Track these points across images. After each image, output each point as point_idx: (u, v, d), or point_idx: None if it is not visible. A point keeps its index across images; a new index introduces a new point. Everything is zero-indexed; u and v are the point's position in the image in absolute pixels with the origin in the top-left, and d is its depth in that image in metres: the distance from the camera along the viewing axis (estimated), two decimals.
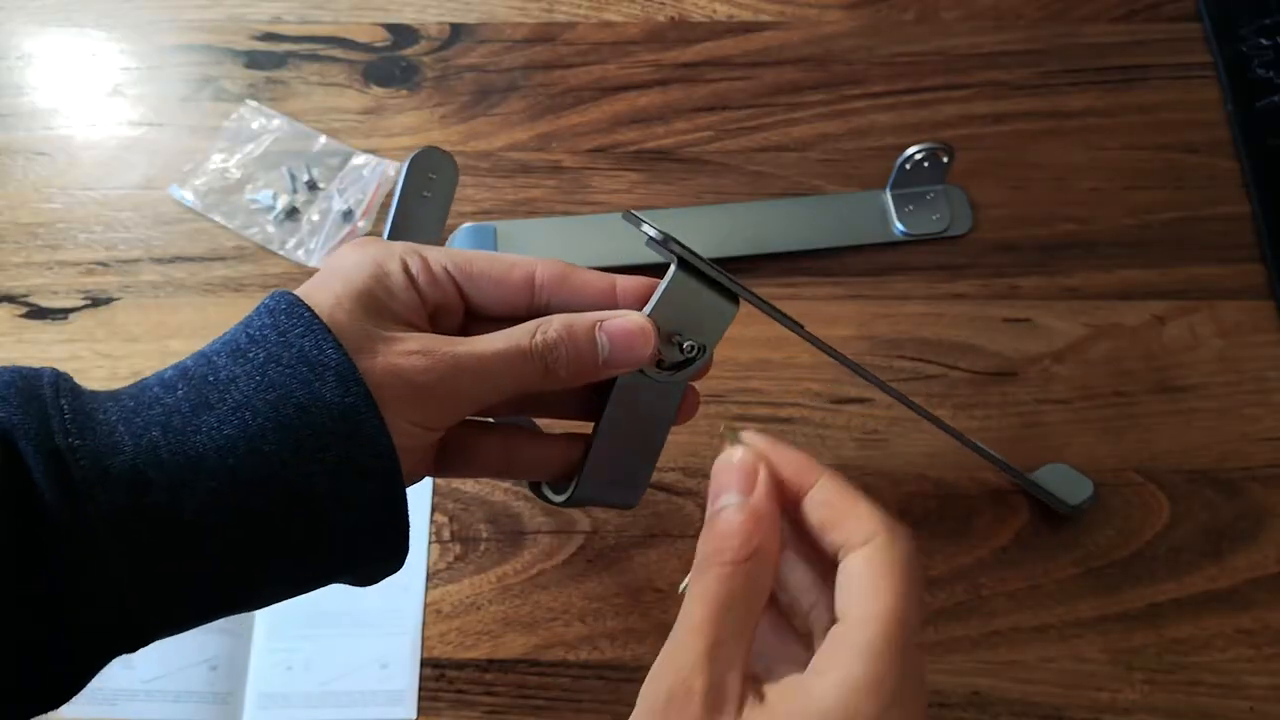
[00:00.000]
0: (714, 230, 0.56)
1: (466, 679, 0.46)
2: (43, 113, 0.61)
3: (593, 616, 0.48)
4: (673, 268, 0.35)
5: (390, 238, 0.52)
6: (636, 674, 0.46)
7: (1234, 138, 0.58)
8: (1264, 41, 0.60)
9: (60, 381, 0.31)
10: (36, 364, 0.53)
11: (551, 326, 0.34)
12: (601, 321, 0.34)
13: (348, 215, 0.57)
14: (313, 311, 0.32)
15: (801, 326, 0.38)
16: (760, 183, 0.58)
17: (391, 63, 0.62)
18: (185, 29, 0.63)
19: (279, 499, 0.30)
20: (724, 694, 0.28)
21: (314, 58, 0.62)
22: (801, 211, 0.57)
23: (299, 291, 0.33)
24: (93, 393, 0.31)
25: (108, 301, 0.55)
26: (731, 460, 0.32)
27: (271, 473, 0.30)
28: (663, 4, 0.63)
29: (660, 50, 0.62)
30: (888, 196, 0.57)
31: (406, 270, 0.34)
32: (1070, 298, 0.55)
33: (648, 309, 0.35)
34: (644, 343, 0.34)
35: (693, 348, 0.36)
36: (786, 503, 0.32)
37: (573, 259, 0.54)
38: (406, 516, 0.33)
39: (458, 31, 0.63)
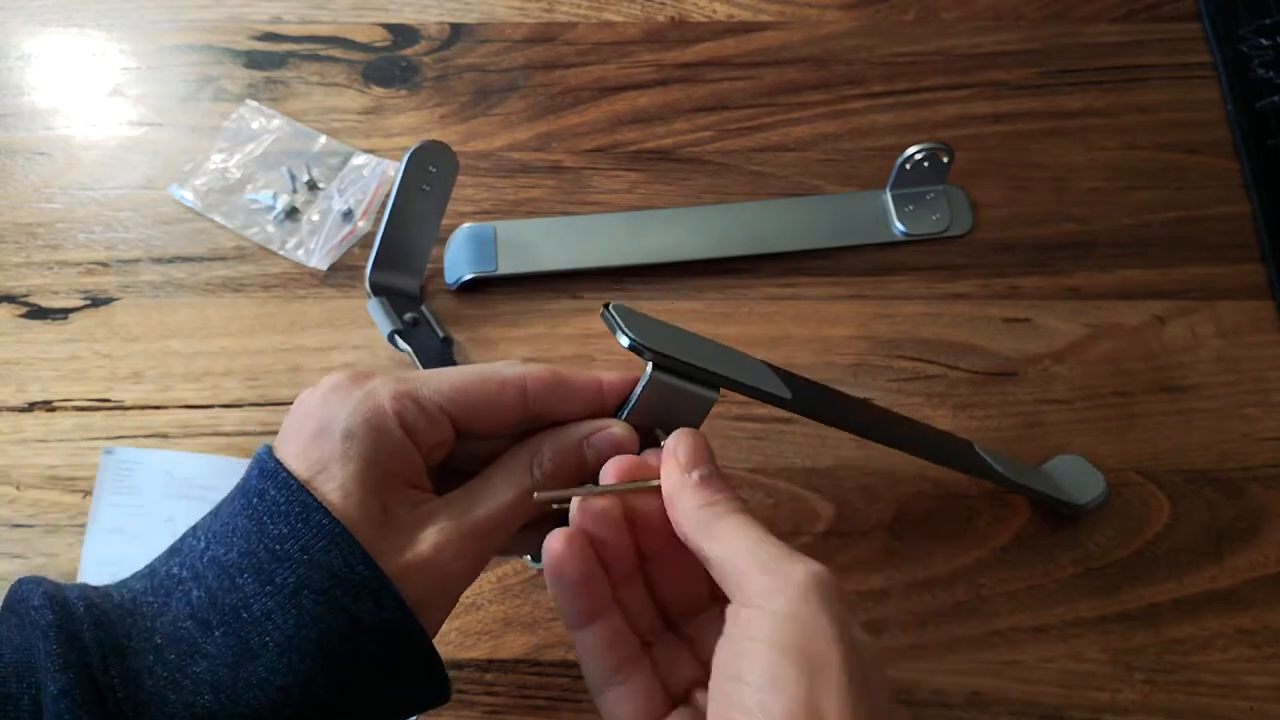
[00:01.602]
0: (714, 230, 0.56)
1: (466, 679, 0.46)
2: (43, 113, 0.61)
3: None
4: (647, 371, 0.36)
5: (387, 229, 0.52)
6: None
7: (1234, 138, 0.58)
8: (1264, 41, 0.60)
9: (102, 635, 0.30)
10: (37, 364, 0.53)
11: (545, 457, 0.35)
12: (588, 438, 0.35)
13: (348, 215, 0.57)
14: (331, 517, 0.31)
15: (788, 399, 0.39)
16: (760, 183, 0.58)
17: (391, 63, 0.62)
18: (185, 29, 0.63)
19: None
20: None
21: (314, 58, 0.62)
22: (801, 211, 0.57)
23: (300, 471, 0.32)
24: (126, 634, 0.30)
25: (108, 301, 0.55)
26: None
27: (326, 712, 0.31)
28: (663, 4, 0.64)
29: (660, 50, 0.62)
30: (888, 196, 0.57)
31: (403, 424, 0.33)
32: (1070, 298, 0.55)
33: (625, 412, 0.36)
34: (629, 450, 0.35)
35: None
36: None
37: (573, 259, 0.55)
38: (449, 691, 0.34)
39: (458, 31, 0.63)
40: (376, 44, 0.63)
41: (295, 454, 0.33)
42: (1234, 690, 0.46)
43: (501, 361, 0.36)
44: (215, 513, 0.33)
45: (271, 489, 0.32)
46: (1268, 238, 0.55)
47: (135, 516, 0.49)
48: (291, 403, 0.52)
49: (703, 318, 0.54)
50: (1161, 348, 0.53)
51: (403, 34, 0.63)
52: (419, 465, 0.34)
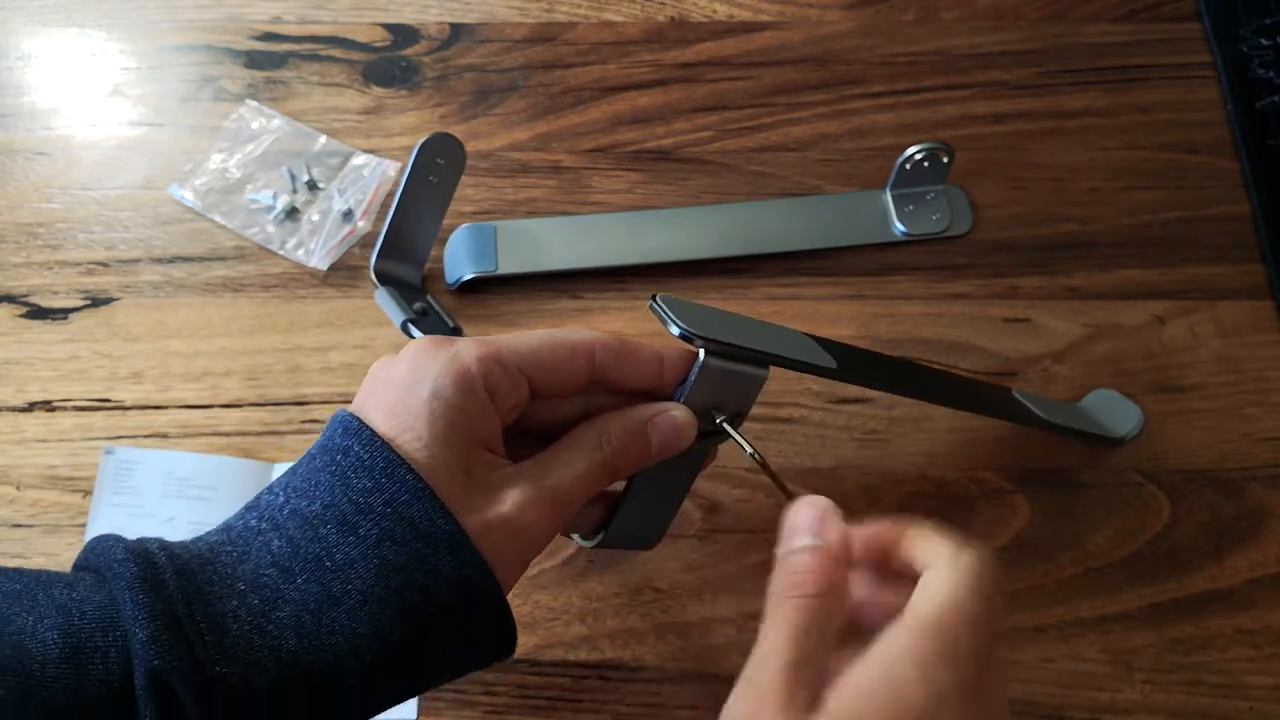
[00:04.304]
0: (714, 230, 0.56)
1: (466, 679, 0.46)
2: (43, 113, 0.61)
3: (593, 616, 0.47)
4: (700, 357, 0.37)
5: (394, 217, 0.52)
6: (636, 674, 0.46)
7: (1234, 138, 0.58)
8: (1264, 41, 0.60)
9: (185, 583, 0.31)
10: (37, 364, 0.53)
11: (612, 435, 0.37)
12: (651, 419, 0.37)
13: (348, 215, 0.57)
14: (414, 473, 0.32)
15: (834, 368, 0.40)
16: (760, 183, 0.58)
17: (391, 63, 0.62)
18: (185, 29, 0.63)
19: (402, 676, 0.33)
20: (798, 706, 0.30)
21: (314, 58, 0.62)
22: (801, 211, 0.57)
23: (385, 430, 0.33)
24: (208, 580, 0.31)
25: (108, 301, 0.55)
26: (803, 507, 0.35)
27: (398, 661, 0.32)
28: (663, 4, 0.64)
29: (660, 50, 0.62)
30: (888, 196, 0.57)
31: (487, 385, 0.35)
32: (1070, 298, 0.55)
33: (683, 395, 0.37)
34: (689, 434, 0.37)
35: (724, 420, 0.38)
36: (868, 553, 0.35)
37: (573, 259, 0.55)
38: (514, 646, 0.35)
39: (458, 31, 0.63)
40: (376, 44, 0.63)
41: (381, 414, 0.34)
42: (1234, 690, 0.46)
43: (571, 327, 0.37)
44: (292, 472, 0.34)
45: (356, 445, 0.33)
46: (1268, 238, 0.55)
47: (135, 516, 0.49)
48: (290, 403, 0.53)
49: None
50: (1161, 348, 0.53)
51: (403, 34, 0.63)
52: (497, 427, 0.35)
